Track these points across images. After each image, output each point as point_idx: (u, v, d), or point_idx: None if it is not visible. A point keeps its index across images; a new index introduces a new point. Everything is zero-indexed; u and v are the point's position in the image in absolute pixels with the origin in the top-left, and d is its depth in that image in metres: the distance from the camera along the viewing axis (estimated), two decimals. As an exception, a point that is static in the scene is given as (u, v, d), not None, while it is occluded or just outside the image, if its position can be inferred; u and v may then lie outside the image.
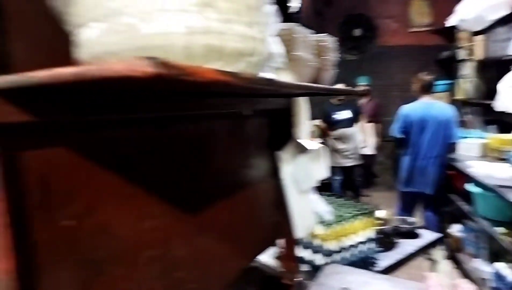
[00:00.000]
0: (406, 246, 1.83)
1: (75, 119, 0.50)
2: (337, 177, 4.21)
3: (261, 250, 1.10)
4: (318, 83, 0.91)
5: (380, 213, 1.96)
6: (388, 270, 1.70)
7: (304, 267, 1.58)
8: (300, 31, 0.81)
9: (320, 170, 1.19)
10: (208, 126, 0.85)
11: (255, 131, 1.06)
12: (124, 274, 0.64)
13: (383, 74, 5.46)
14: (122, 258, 0.63)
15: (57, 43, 0.48)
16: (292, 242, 1.22)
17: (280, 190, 1.16)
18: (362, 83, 4.89)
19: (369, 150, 4.66)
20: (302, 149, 1.13)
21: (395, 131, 3.63)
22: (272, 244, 1.17)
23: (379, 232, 1.78)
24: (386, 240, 1.80)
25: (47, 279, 0.50)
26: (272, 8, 0.51)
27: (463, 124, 4.11)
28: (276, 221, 1.18)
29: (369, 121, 4.69)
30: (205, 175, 0.83)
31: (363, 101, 4.92)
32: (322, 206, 1.28)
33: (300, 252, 1.68)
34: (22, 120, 0.43)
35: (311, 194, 1.24)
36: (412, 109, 3.51)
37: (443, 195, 3.50)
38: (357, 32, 5.71)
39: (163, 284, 0.72)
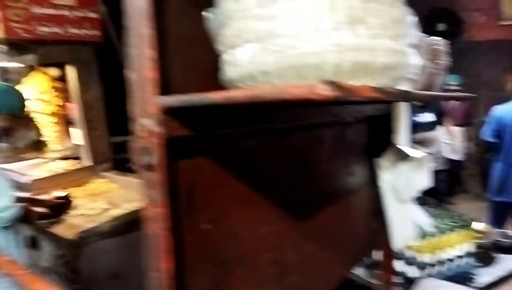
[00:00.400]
0: (508, 262, 1.66)
1: (217, 133, 0.54)
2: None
3: (358, 259, 1.08)
4: (430, 90, 0.87)
5: (477, 226, 1.82)
6: (489, 288, 1.56)
7: (395, 279, 1.52)
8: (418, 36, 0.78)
9: (423, 179, 1.14)
10: (316, 134, 0.85)
11: (355, 137, 1.05)
12: (247, 275, 0.67)
13: (470, 71, 5.03)
14: (246, 259, 0.66)
15: (206, 63, 0.52)
16: (389, 253, 1.18)
17: (378, 198, 1.13)
18: (454, 83, 4.48)
19: (456, 155, 4.33)
20: (403, 156, 1.09)
21: (486, 134, 3.34)
22: (369, 253, 1.15)
23: (478, 246, 1.65)
24: (485, 254, 1.66)
25: (192, 277, 0.55)
26: (413, 19, 0.50)
27: None
28: (373, 231, 1.15)
29: (459, 124, 4.35)
30: (313, 183, 0.84)
31: (453, 102, 4.56)
32: (422, 217, 1.22)
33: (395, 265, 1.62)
34: (182, 134, 0.47)
35: (410, 204, 1.19)
36: (506, 111, 3.20)
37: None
38: (441, 27, 5.34)
39: (278, 287, 0.75)
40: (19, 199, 1.70)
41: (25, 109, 1.96)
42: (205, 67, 0.52)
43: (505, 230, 1.99)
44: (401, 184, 1.11)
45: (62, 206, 2.04)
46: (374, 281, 1.51)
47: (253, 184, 0.66)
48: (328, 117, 0.87)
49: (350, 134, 1.03)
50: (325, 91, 0.32)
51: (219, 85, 0.51)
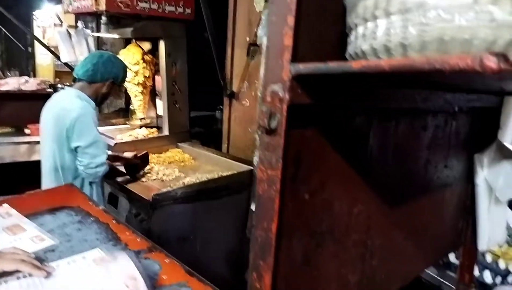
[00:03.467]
0: None
1: (331, 104, 0.55)
2: None
3: (441, 255, 1.04)
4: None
5: None
6: None
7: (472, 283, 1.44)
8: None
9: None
10: (421, 120, 0.83)
11: (459, 128, 0.99)
12: (336, 251, 0.68)
13: None
14: (336, 235, 0.67)
15: (331, 35, 0.53)
16: (473, 253, 1.12)
17: (472, 196, 1.07)
18: None
19: None
20: (506, 155, 1.01)
21: None
22: (452, 250, 1.10)
23: None
24: None
25: (287, 243, 0.57)
26: None
27: None
28: (461, 229, 1.10)
29: None
30: (409, 170, 0.82)
31: None
32: (516, 221, 1.14)
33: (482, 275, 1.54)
34: (303, 102, 0.49)
35: (505, 206, 1.11)
36: None
37: None
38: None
39: (361, 269, 0.75)
40: (107, 157, 1.87)
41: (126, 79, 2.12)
42: (330, 39, 0.53)
43: None
44: (500, 183, 1.03)
45: (140, 164, 2.21)
46: (446, 282, 1.45)
47: (353, 162, 0.66)
48: (439, 103, 0.83)
49: (454, 125, 0.98)
50: (494, 64, 0.31)
51: (343, 59, 0.51)
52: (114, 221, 1.29)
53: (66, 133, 1.77)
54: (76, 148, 1.78)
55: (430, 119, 0.83)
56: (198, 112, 3.34)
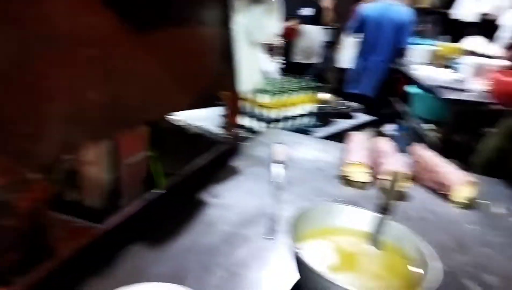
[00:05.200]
0: (341, 124, 1.99)
1: None
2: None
3: (202, 94, 1.14)
4: None
5: (323, 96, 2.08)
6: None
7: (247, 135, 1.69)
8: None
9: (274, 23, 1.20)
10: None
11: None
12: (60, 60, 0.64)
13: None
14: (59, 43, 0.63)
15: None
16: (235, 96, 1.28)
17: (230, 40, 1.16)
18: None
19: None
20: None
21: (351, 29, 3.65)
22: (214, 92, 1.22)
23: (320, 109, 1.91)
24: (324, 116, 1.94)
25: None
26: None
27: (420, 32, 4.19)
28: (221, 72, 1.21)
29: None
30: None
31: None
32: (269, 64, 1.32)
33: (243, 120, 1.78)
34: None
35: (260, 50, 1.27)
36: (370, 9, 3.49)
37: (383, 97, 3.73)
38: None
39: (106, 89, 0.74)
40: None
41: None
42: None
43: (345, 101, 2.34)
44: (254, 26, 1.16)
45: None
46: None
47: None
48: None
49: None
50: None
51: None
52: None
53: None
54: None
55: None
56: None
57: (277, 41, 3.38)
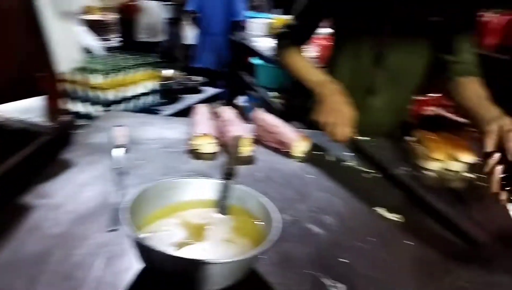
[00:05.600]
0: (189, 100, 1.96)
1: None
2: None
3: (13, 81, 0.95)
4: None
5: (166, 72, 2.00)
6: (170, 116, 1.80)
7: (82, 122, 1.50)
8: None
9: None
10: None
11: None
12: None
13: None
14: None
15: None
16: (53, 77, 1.10)
17: (34, 12, 0.98)
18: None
19: None
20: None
21: (188, 5, 3.62)
22: (29, 78, 1.02)
23: (164, 86, 1.83)
24: (170, 93, 1.87)
25: None
26: None
27: (255, 7, 4.42)
28: (30, 51, 1.02)
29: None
30: None
31: None
32: (89, 39, 1.17)
33: (75, 106, 1.58)
34: None
35: (76, 24, 1.11)
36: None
37: (232, 70, 3.86)
38: None
39: None
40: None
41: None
42: None
43: (192, 76, 2.31)
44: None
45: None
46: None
47: None
48: None
49: None
50: None
51: None
52: None
53: None
54: None
55: None
56: None
57: (107, 16, 3.10)
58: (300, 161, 1.17)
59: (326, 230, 0.85)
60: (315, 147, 1.23)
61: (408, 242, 0.84)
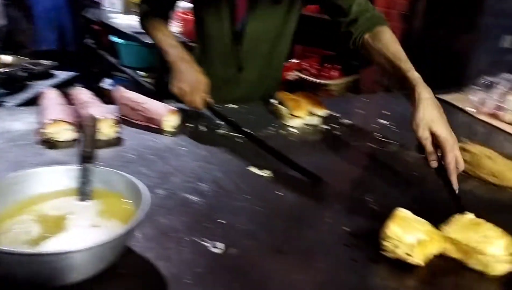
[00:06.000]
0: (40, 86, 1.72)
1: None
2: None
3: None
4: None
5: (4, 58, 1.71)
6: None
7: None
8: None
9: None
10: None
11: None
12: None
13: None
14: None
15: None
16: None
17: None
18: None
19: None
20: None
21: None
22: None
23: (4, 74, 1.57)
24: (12, 81, 1.61)
25: None
26: None
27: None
28: None
29: None
30: None
31: None
32: None
33: None
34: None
35: None
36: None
37: (90, 51, 3.52)
38: None
39: None
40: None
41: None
42: None
43: (40, 60, 2.01)
44: None
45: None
46: None
47: None
48: None
49: None
50: None
51: None
52: None
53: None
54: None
55: None
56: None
57: None
58: (172, 135, 1.15)
59: (203, 197, 0.86)
60: (187, 119, 1.22)
61: (278, 192, 0.91)
